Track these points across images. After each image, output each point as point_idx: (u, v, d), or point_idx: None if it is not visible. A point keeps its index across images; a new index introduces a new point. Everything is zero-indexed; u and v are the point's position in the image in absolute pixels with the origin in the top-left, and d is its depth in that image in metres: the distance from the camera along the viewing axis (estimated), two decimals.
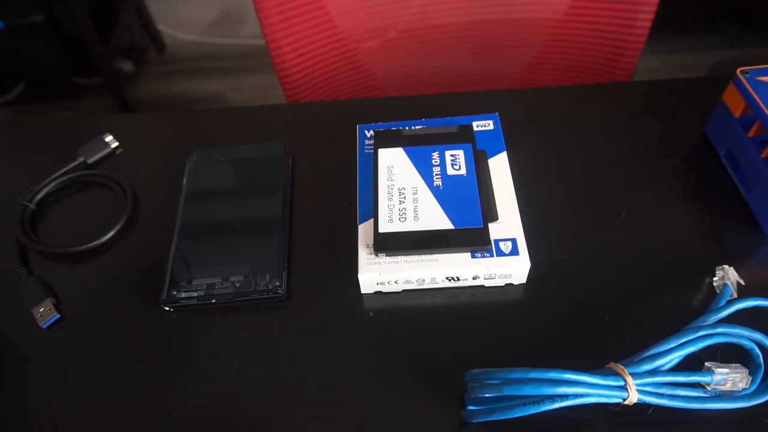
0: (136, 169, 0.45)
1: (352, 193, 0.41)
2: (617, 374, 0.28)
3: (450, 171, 0.38)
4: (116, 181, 0.44)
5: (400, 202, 0.37)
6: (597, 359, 0.31)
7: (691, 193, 0.40)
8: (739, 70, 0.39)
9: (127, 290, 0.38)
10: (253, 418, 0.32)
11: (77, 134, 0.48)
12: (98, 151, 0.46)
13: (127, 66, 1.58)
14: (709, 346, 0.30)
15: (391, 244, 0.35)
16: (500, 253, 0.35)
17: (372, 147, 0.42)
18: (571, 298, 0.36)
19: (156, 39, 1.62)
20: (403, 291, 0.37)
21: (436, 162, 0.39)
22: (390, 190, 0.38)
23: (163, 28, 1.65)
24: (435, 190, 0.37)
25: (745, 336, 0.30)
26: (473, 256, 0.35)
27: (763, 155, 0.37)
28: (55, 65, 1.33)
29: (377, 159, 0.40)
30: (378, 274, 0.35)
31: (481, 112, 0.44)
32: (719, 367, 0.29)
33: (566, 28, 0.68)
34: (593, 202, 0.40)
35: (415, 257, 0.35)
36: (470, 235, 0.35)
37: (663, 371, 0.29)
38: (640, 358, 0.30)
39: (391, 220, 0.36)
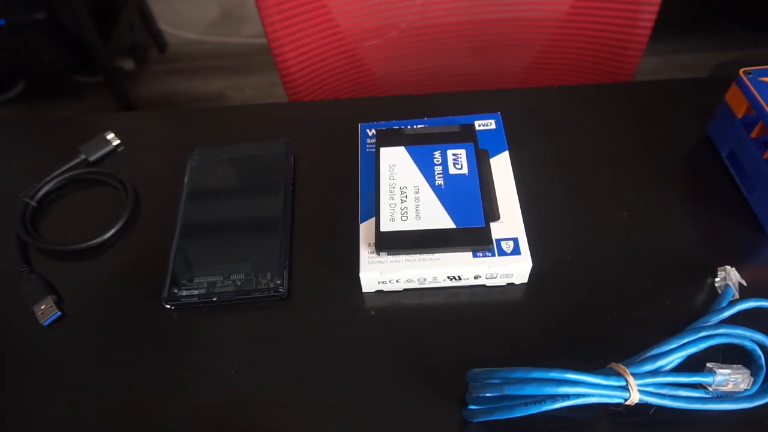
0: (138, 167, 0.45)
1: (353, 192, 0.41)
2: (619, 374, 0.28)
3: (452, 170, 0.38)
4: (117, 179, 0.44)
5: (402, 201, 0.37)
6: (598, 359, 0.31)
7: (692, 193, 0.40)
8: (741, 71, 0.39)
9: (129, 288, 0.38)
10: (253, 417, 0.32)
11: (78, 132, 0.48)
12: (100, 149, 0.46)
13: (128, 64, 1.58)
14: (711, 347, 0.30)
15: (393, 243, 0.35)
16: (502, 253, 0.35)
17: (373, 146, 0.42)
18: (573, 297, 0.36)
19: (157, 37, 1.62)
20: (405, 290, 0.37)
21: (437, 161, 0.39)
22: (392, 189, 0.38)
23: (165, 26, 1.65)
24: (437, 189, 0.37)
25: (746, 337, 0.30)
26: (475, 256, 0.35)
27: (766, 156, 0.37)
28: (56, 63, 1.33)
29: (379, 158, 0.39)
30: (379, 273, 0.35)
31: (483, 112, 0.44)
32: (721, 368, 0.29)
33: (568, 28, 0.68)
34: (595, 202, 0.40)
35: (417, 256, 0.35)
36: (472, 235, 0.35)
37: (664, 372, 0.29)
38: (642, 358, 0.30)
39: (392, 219, 0.36)
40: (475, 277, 0.35)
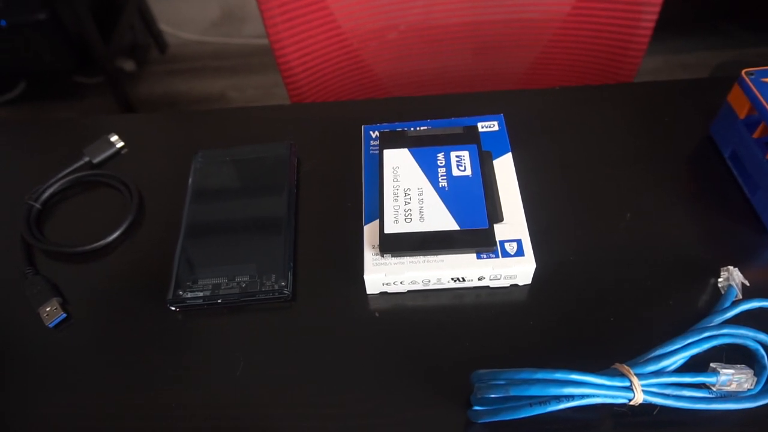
0: (141, 169, 0.45)
1: (357, 194, 0.41)
2: (623, 375, 0.29)
3: (455, 172, 0.38)
4: (122, 181, 0.44)
5: (406, 203, 0.37)
6: (602, 360, 0.31)
7: (695, 193, 0.40)
8: (743, 72, 0.39)
9: (133, 290, 0.38)
10: (257, 418, 0.32)
11: (80, 133, 0.48)
12: (103, 151, 0.46)
13: (128, 65, 1.58)
14: (714, 347, 0.30)
15: (397, 244, 0.35)
16: (505, 254, 0.35)
17: (377, 148, 0.42)
18: (576, 298, 0.36)
19: (158, 38, 1.62)
20: (409, 291, 0.37)
21: (441, 163, 0.39)
22: (395, 191, 0.38)
23: (165, 27, 1.65)
24: (440, 191, 0.37)
25: (750, 337, 0.30)
26: (478, 257, 0.35)
27: None
28: (57, 64, 1.33)
29: (383, 160, 0.40)
30: (384, 275, 0.35)
31: (486, 113, 0.45)
32: (724, 368, 0.30)
33: (569, 29, 0.68)
34: (598, 203, 0.40)
35: (421, 258, 0.35)
36: (475, 236, 0.35)
37: (668, 372, 0.29)
38: (646, 358, 0.30)
39: (396, 221, 0.36)
40: (478, 279, 0.36)
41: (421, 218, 0.36)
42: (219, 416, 0.33)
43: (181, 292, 0.36)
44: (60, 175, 0.44)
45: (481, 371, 0.30)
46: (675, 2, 1.05)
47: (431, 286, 0.36)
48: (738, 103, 0.40)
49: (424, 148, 0.40)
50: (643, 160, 0.43)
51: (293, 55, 0.66)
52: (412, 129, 0.42)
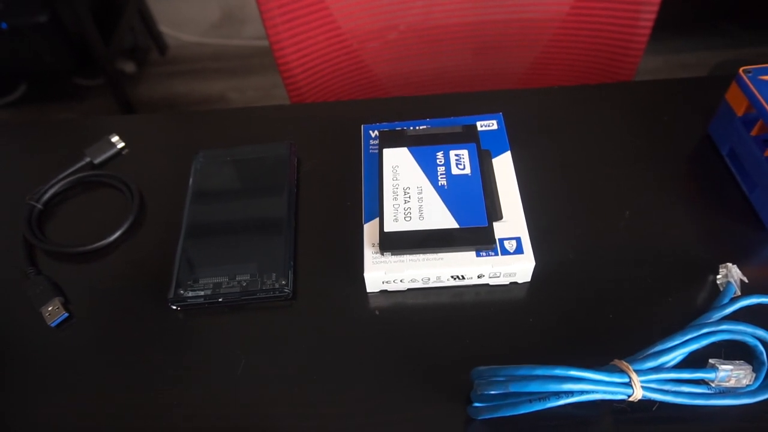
0: (142, 170, 0.46)
1: (357, 193, 0.42)
2: (622, 371, 0.29)
3: (454, 170, 0.39)
4: (123, 181, 0.44)
5: (406, 202, 0.37)
6: (601, 356, 0.31)
7: (694, 191, 0.41)
8: (741, 69, 0.39)
9: (134, 289, 0.38)
10: (258, 417, 0.33)
11: (81, 135, 0.48)
12: (104, 152, 0.46)
13: (129, 67, 1.58)
14: (713, 344, 0.30)
15: (397, 243, 0.35)
16: (505, 252, 0.35)
17: (376, 147, 0.42)
18: (575, 296, 0.36)
19: (158, 40, 1.62)
20: (409, 290, 0.37)
21: (440, 162, 0.39)
22: (395, 190, 0.38)
23: (165, 28, 1.66)
24: (440, 190, 0.38)
25: (748, 333, 0.30)
26: (478, 255, 0.35)
27: (766, 154, 0.37)
28: (58, 66, 1.33)
29: (382, 159, 0.40)
30: (384, 273, 0.35)
31: (485, 112, 0.45)
32: (723, 364, 0.30)
33: (569, 29, 0.69)
34: (597, 201, 0.40)
35: (421, 256, 0.35)
36: (475, 234, 0.35)
37: (667, 368, 0.30)
38: (645, 355, 0.30)
39: (396, 220, 0.36)
40: (478, 277, 0.36)
41: (421, 216, 0.36)
42: (219, 416, 0.33)
43: (182, 291, 0.37)
44: (61, 176, 0.45)
45: (481, 368, 0.30)
46: (674, 2, 1.05)
47: (431, 284, 0.36)
48: (736, 100, 0.40)
49: (424, 147, 0.40)
50: (641, 158, 0.43)
51: (293, 56, 0.66)
52: (411, 128, 0.42)
